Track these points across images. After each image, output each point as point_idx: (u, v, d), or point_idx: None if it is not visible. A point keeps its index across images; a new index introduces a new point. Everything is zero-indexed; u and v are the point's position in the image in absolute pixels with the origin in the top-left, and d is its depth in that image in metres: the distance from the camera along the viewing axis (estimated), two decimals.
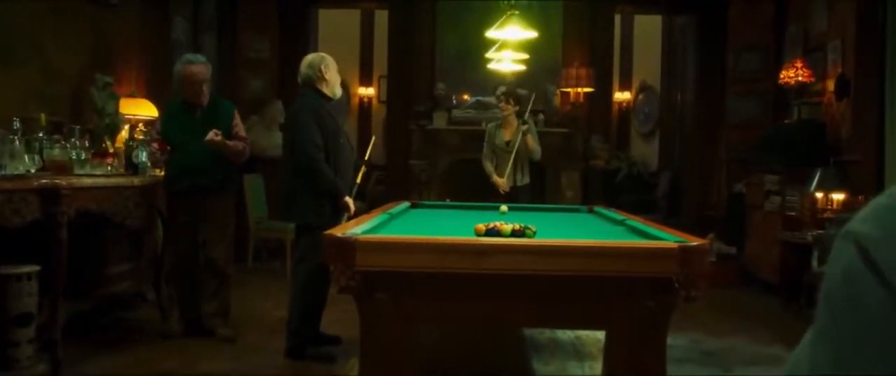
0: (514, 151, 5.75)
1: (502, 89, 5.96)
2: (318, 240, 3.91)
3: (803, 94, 6.49)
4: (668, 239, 3.07)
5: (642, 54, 11.06)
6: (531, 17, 6.84)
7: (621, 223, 4.02)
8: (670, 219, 8.84)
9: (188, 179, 4.41)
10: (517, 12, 4.48)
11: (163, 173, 4.66)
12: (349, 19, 10.99)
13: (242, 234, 7.39)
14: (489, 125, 6.11)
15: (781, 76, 6.49)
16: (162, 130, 4.54)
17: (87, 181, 3.91)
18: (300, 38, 8.29)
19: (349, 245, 2.82)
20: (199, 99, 4.43)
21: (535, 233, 3.25)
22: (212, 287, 4.53)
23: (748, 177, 6.96)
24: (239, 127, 4.62)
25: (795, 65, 6.37)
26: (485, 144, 6.00)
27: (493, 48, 5.36)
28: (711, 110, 8.17)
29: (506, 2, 4.58)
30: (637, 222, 3.85)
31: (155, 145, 4.74)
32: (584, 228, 4.02)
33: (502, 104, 5.79)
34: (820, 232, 5.16)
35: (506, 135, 5.88)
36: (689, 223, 8.14)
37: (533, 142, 5.69)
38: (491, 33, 4.71)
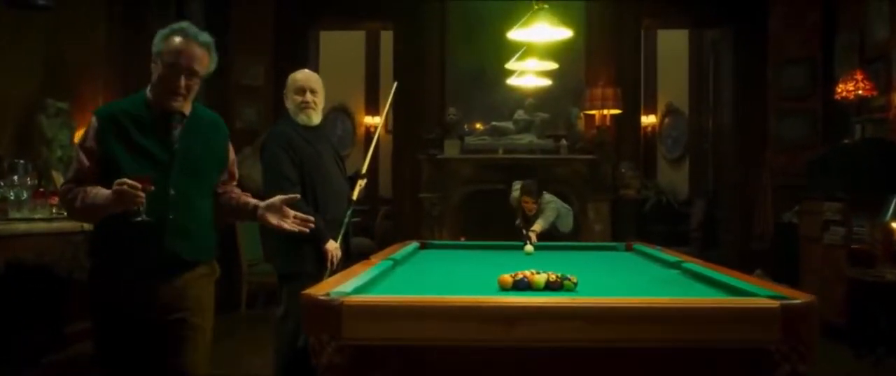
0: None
1: (520, 184, 5.64)
2: (301, 291, 3.18)
3: (863, 109, 5.73)
4: (757, 292, 2.32)
5: (667, 74, 10.32)
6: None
7: (676, 266, 3.25)
8: (706, 252, 8.09)
9: (154, 252, 2.42)
10: (546, 6, 3.72)
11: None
12: (354, 43, 10.37)
13: (234, 278, 6.73)
14: (514, 192, 5.71)
15: (838, 90, 5.74)
16: (101, 150, 2.42)
17: (21, 227, 3.21)
18: (298, 63, 7.61)
19: (333, 309, 2.11)
20: (175, 99, 2.43)
21: (576, 284, 2.52)
22: None
23: (801, 205, 6.17)
24: (234, 167, 2.76)
25: (855, 77, 5.62)
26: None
27: (516, 56, 4.62)
28: (751, 132, 7.43)
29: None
30: (697, 265, 3.08)
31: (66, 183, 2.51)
32: (632, 275, 3.25)
33: (526, 201, 5.48)
34: None
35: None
36: (730, 256, 7.38)
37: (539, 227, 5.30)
38: (513, 34, 3.97)
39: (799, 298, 2.14)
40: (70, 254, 3.47)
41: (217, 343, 5.15)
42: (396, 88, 4.22)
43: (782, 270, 6.38)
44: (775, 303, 2.09)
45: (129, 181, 2.26)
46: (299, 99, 3.47)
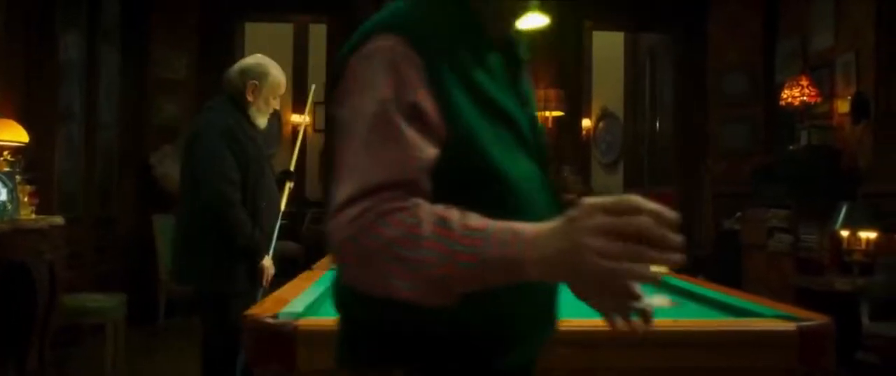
0: None
1: None
2: (231, 313, 2.79)
3: (806, 116, 5.69)
4: (762, 311, 2.09)
5: (601, 78, 10.20)
6: None
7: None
8: None
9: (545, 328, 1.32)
10: None
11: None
12: (281, 35, 9.88)
13: (152, 287, 6.22)
14: None
15: (784, 96, 5.68)
16: (447, 115, 1.03)
17: None
18: (224, 56, 7.11)
19: (285, 336, 1.80)
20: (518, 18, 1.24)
21: None
22: None
23: (745, 212, 6.09)
24: None
25: (800, 83, 5.57)
26: None
27: None
28: (691, 138, 7.33)
29: None
30: (678, 280, 2.86)
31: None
32: None
33: None
34: (869, 278, 4.28)
35: None
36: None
37: None
38: None
39: (815, 320, 1.92)
40: None
41: (136, 360, 4.65)
42: (314, 91, 4.11)
43: (724, 277, 6.30)
44: (792, 326, 1.87)
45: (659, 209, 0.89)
46: (275, 105, 3.18)
